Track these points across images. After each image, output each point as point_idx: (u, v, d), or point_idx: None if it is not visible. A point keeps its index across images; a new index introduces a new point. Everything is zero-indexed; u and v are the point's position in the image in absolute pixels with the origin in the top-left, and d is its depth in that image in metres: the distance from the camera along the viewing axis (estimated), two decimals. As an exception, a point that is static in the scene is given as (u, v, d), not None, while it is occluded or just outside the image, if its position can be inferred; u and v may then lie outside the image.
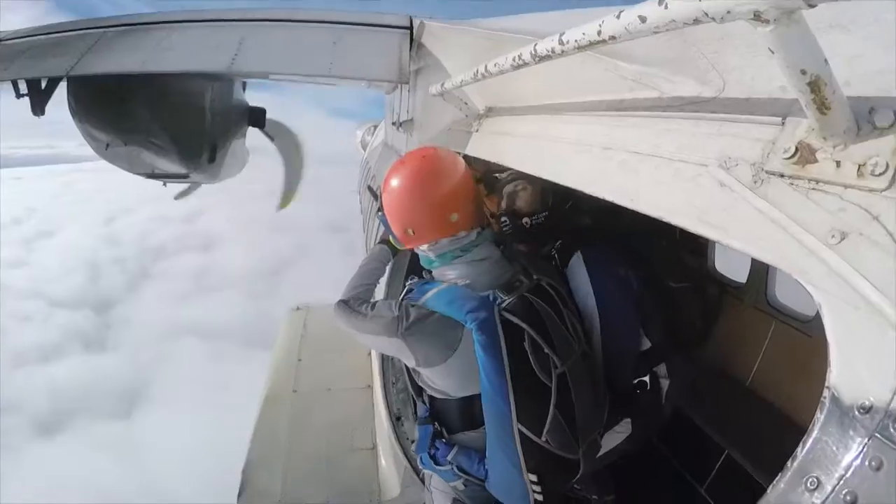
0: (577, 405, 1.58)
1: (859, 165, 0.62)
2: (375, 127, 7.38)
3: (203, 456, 16.54)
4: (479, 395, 1.55)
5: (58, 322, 29.70)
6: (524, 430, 1.50)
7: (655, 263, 1.96)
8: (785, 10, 0.50)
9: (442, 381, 1.64)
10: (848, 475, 0.56)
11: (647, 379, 1.99)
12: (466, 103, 2.01)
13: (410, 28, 2.68)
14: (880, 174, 0.59)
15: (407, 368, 1.75)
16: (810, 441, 0.61)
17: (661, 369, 1.98)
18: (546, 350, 1.53)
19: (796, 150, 0.69)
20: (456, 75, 1.77)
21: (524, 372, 1.50)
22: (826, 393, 0.59)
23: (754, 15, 0.52)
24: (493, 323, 1.48)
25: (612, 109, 1.21)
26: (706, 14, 0.57)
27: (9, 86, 2.78)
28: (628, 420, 1.89)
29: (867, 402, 0.55)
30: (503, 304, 1.52)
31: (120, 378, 24.39)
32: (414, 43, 2.57)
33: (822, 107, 0.60)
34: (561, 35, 0.88)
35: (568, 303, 1.71)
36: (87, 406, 22.50)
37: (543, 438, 1.51)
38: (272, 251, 39.02)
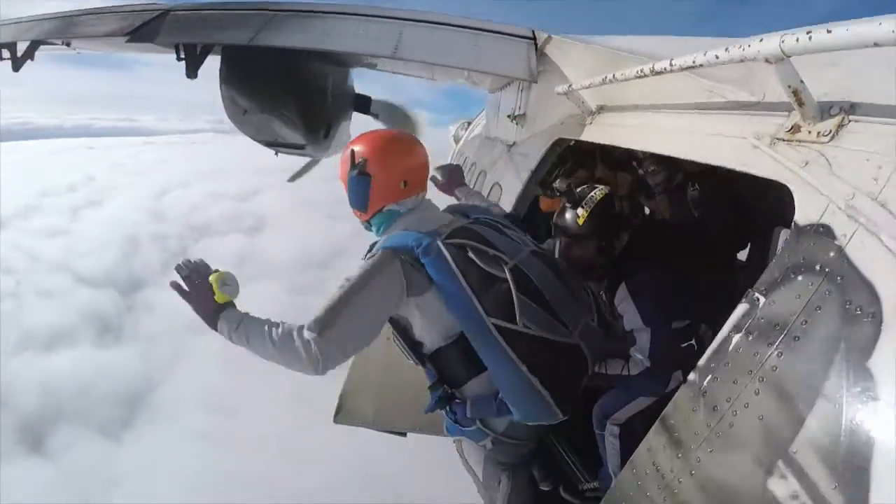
0: (544, 290, 1.70)
1: (818, 132, 1.31)
2: (469, 123, 8.15)
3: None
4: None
5: (78, 301, 27.18)
6: (497, 321, 1.60)
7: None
8: (778, 58, 1.20)
9: (431, 315, 1.71)
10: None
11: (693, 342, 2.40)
12: (584, 102, 2.73)
13: (533, 39, 3.36)
14: (826, 135, 1.28)
15: (405, 335, 1.79)
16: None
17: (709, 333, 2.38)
18: (491, 253, 1.67)
19: (791, 127, 1.38)
20: (579, 80, 2.49)
21: (476, 273, 1.63)
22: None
23: (765, 60, 1.22)
24: (437, 245, 1.64)
25: (695, 109, 1.92)
26: (746, 57, 1.27)
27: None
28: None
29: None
30: (443, 235, 1.68)
31: (124, 381, 21.67)
32: (538, 51, 3.29)
33: (798, 102, 1.29)
34: (671, 60, 1.60)
35: (508, 227, 1.90)
36: (81, 414, 19.67)
37: (520, 324, 1.61)
38: (325, 239, 34.63)
